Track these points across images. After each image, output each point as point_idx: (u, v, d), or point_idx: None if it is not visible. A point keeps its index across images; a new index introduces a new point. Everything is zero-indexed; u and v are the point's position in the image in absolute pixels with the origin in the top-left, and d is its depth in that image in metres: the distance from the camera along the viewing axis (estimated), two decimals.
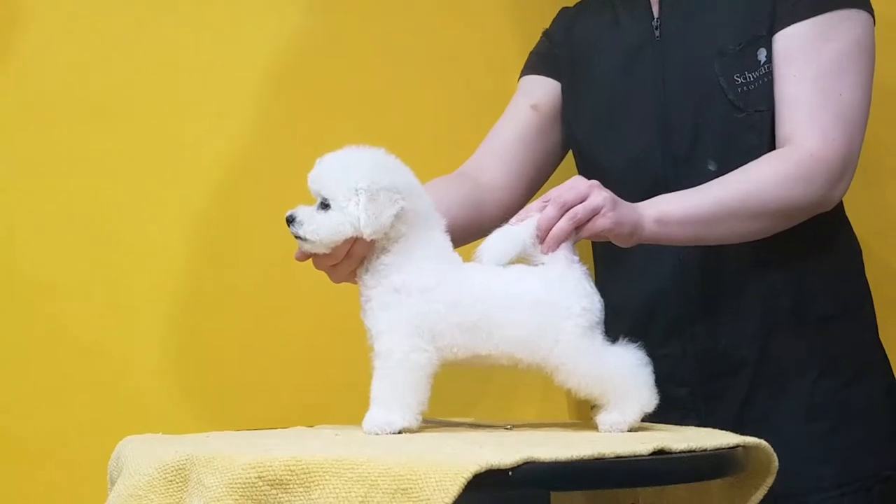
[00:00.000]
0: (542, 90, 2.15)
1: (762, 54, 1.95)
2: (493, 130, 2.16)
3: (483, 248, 1.73)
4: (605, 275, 2.08)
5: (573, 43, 2.13)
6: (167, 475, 1.54)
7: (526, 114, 2.14)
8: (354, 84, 2.42)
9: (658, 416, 1.75)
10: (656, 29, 2.03)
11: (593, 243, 2.07)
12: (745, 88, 1.96)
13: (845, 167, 1.92)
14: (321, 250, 1.73)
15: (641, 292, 2.04)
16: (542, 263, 1.72)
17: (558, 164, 2.18)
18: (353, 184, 1.70)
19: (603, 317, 1.71)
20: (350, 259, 1.74)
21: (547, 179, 2.17)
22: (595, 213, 1.74)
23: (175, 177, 2.35)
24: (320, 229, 1.71)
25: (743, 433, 1.67)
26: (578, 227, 1.73)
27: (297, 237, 1.73)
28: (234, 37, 2.39)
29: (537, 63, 2.18)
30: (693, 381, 2.01)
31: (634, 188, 1.90)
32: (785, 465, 1.71)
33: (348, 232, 1.70)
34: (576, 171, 2.11)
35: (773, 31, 1.95)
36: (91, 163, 2.32)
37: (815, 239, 1.99)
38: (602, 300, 1.71)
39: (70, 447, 2.28)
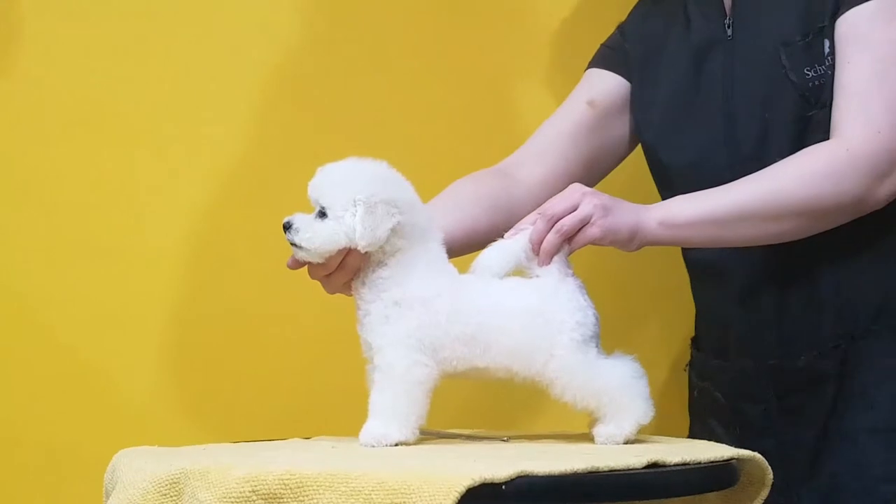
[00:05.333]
0: (604, 85, 2.06)
1: (827, 45, 1.85)
2: (544, 124, 2.07)
3: (478, 261, 1.73)
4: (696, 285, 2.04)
5: (645, 39, 2.05)
6: (161, 489, 1.54)
7: (580, 109, 2.05)
8: (357, 91, 2.41)
9: (734, 437, 1.75)
10: (728, 27, 1.94)
11: (682, 251, 2.01)
12: (815, 83, 1.86)
13: (893, 161, 1.78)
14: (315, 259, 1.72)
15: (712, 306, 1.98)
16: (538, 276, 1.72)
17: (615, 164, 2.10)
18: (351, 194, 1.69)
19: (598, 330, 1.70)
20: (343, 270, 1.72)
21: (601, 178, 2.08)
22: (584, 223, 1.72)
23: (174, 185, 2.35)
24: (315, 237, 1.70)
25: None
26: (568, 238, 1.72)
27: (292, 244, 1.72)
28: (236, 44, 2.38)
29: (605, 57, 2.09)
30: (767, 398, 1.95)
31: (699, 189, 1.83)
32: (872, 479, 1.71)
33: (342, 242, 1.69)
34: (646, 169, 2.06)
35: (835, 18, 1.84)
36: (87, 173, 2.32)
37: (892, 238, 1.89)
38: (597, 313, 1.70)
39: (66, 459, 2.28)
